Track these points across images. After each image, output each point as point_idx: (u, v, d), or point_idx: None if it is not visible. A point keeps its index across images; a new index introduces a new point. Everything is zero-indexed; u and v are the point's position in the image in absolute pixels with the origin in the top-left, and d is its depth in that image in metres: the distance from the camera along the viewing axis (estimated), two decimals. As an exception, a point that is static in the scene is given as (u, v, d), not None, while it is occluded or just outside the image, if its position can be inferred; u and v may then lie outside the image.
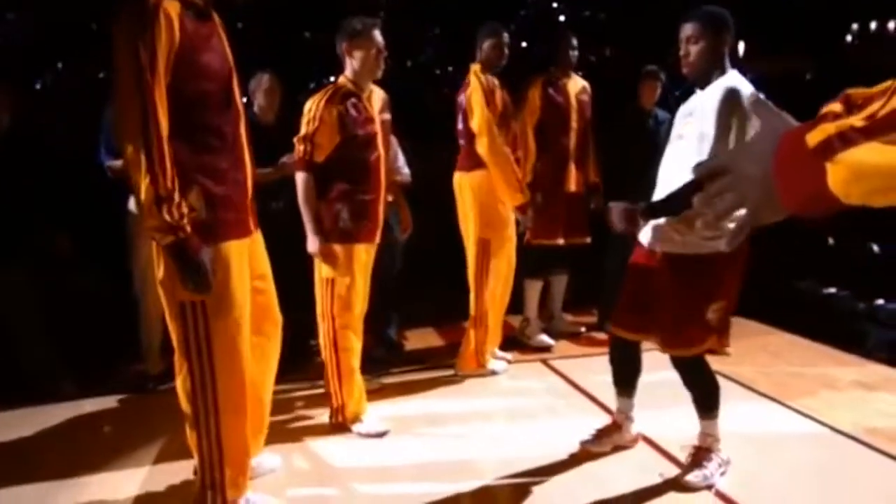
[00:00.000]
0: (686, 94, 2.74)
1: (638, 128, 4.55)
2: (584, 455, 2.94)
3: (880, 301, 4.71)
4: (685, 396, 2.76)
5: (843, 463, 2.90)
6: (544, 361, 4.23)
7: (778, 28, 6.06)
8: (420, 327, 4.82)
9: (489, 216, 3.80)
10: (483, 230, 3.81)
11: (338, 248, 3.06)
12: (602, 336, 4.49)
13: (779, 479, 2.73)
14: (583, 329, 4.75)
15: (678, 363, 2.69)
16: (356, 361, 3.21)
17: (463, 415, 3.48)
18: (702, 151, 2.46)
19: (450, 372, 4.00)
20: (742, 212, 0.93)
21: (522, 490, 2.70)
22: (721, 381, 2.78)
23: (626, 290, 2.81)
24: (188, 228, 2.07)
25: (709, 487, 2.65)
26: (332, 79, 3.27)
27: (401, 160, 4.04)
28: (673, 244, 2.59)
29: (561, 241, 4.36)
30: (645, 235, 2.70)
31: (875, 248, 5.06)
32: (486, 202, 3.79)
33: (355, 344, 3.19)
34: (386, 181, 3.59)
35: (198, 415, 2.29)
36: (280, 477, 2.83)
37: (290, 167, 3.31)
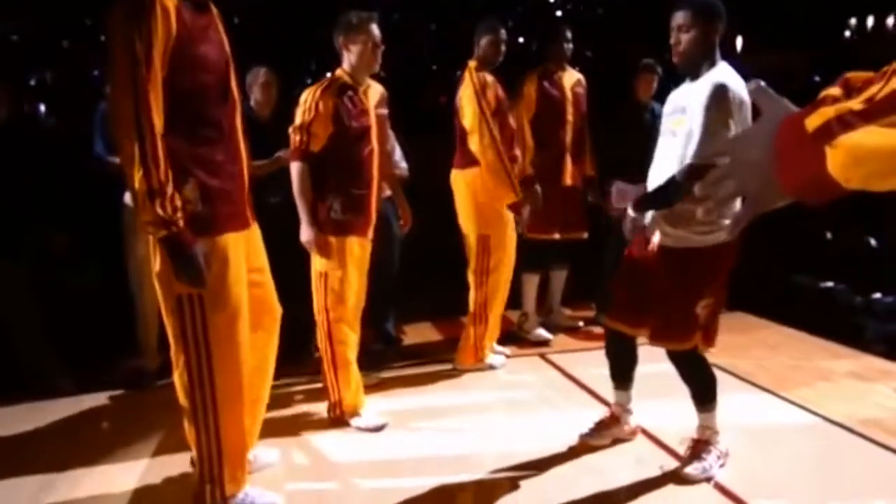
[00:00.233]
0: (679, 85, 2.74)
1: (635, 121, 4.54)
2: (582, 448, 2.94)
3: (877, 294, 4.71)
4: (683, 389, 2.76)
5: (840, 455, 2.91)
6: (542, 356, 4.23)
7: (776, 23, 6.06)
8: (418, 322, 4.82)
9: (487, 213, 3.79)
10: (482, 227, 3.80)
11: (330, 240, 3.06)
12: (600, 330, 4.48)
13: (777, 472, 2.74)
14: (581, 323, 4.75)
15: (674, 358, 2.69)
16: (352, 354, 3.21)
17: (461, 408, 3.48)
18: (689, 150, 2.46)
19: (448, 366, 4.00)
20: (738, 203, 0.93)
21: (521, 483, 2.70)
22: (719, 374, 2.79)
23: (621, 284, 2.81)
24: (181, 223, 2.06)
25: (708, 480, 2.65)
26: (328, 74, 3.27)
27: (398, 154, 4.04)
28: (665, 237, 2.59)
29: (557, 236, 4.36)
30: (649, 233, 2.69)
31: (872, 241, 5.07)
32: (484, 199, 3.79)
33: (351, 337, 3.19)
34: (384, 175, 3.60)
35: (196, 409, 2.29)
36: (278, 471, 2.82)
37: (286, 160, 3.31)
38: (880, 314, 4.55)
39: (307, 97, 3.04)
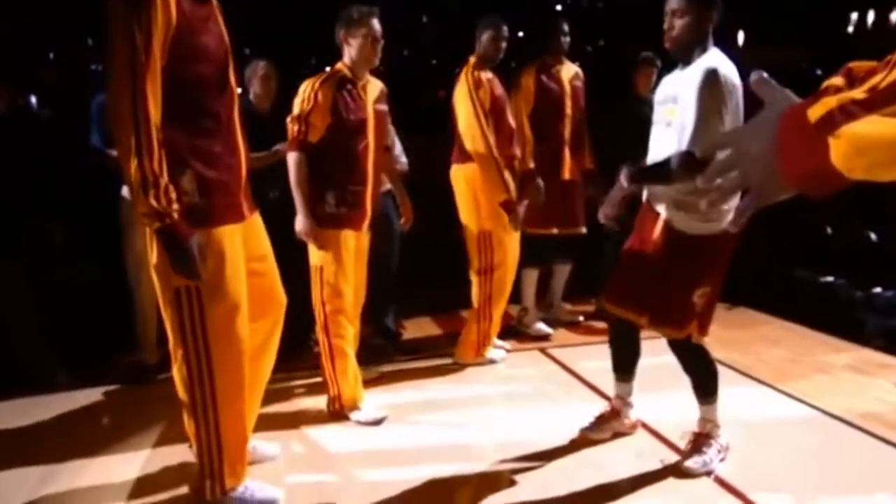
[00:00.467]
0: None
1: (634, 115, 4.52)
2: (583, 441, 2.94)
3: (878, 289, 4.71)
4: (684, 382, 2.76)
5: (840, 449, 2.90)
6: (542, 350, 4.23)
7: (777, 18, 6.05)
8: (418, 317, 4.81)
9: (488, 208, 3.78)
10: (484, 222, 3.79)
11: (325, 233, 3.07)
12: (600, 325, 4.48)
13: (778, 466, 2.74)
14: (581, 318, 4.74)
15: (676, 348, 2.69)
16: (350, 348, 3.21)
17: (461, 402, 3.48)
18: (683, 139, 2.45)
19: (448, 360, 4.00)
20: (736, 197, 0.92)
21: (521, 476, 2.70)
22: (719, 368, 2.78)
23: (621, 267, 2.80)
24: (175, 214, 2.05)
25: (708, 473, 2.65)
26: (327, 69, 3.26)
27: (398, 149, 4.03)
28: (675, 218, 2.58)
29: (555, 231, 4.35)
30: (654, 201, 2.68)
31: (873, 236, 5.07)
32: (484, 194, 3.78)
33: (348, 330, 3.19)
34: (385, 171, 3.59)
35: (195, 402, 2.28)
36: (279, 464, 2.82)
37: (284, 153, 3.31)
38: (880, 308, 4.55)
39: (306, 87, 3.05)
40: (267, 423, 2.97)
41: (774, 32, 6.06)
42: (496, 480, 2.69)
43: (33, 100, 5.03)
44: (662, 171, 2.48)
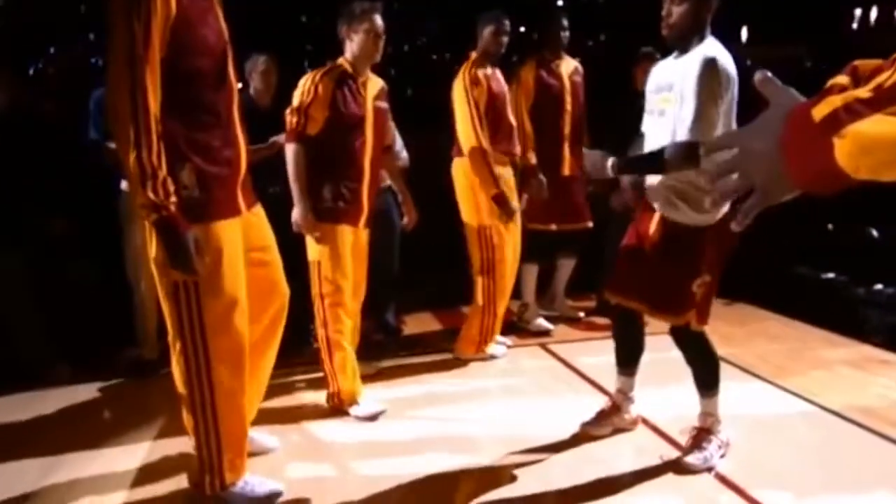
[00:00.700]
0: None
1: (634, 110, 4.51)
2: (583, 436, 2.93)
3: (879, 286, 4.70)
4: (685, 379, 2.75)
5: (841, 445, 2.90)
6: (543, 345, 4.23)
7: (779, 14, 6.03)
8: (418, 312, 4.81)
9: (486, 202, 3.77)
10: (483, 216, 3.79)
11: (321, 227, 3.07)
12: (601, 321, 4.49)
13: (778, 462, 2.73)
14: (582, 314, 4.74)
15: (679, 338, 2.69)
16: (348, 342, 3.21)
17: (462, 397, 3.48)
18: (678, 123, 2.44)
19: (448, 356, 4.00)
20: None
21: (521, 471, 2.70)
22: (720, 364, 2.77)
23: (622, 258, 2.80)
24: (172, 207, 2.04)
25: (709, 470, 2.65)
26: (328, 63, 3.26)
27: (399, 144, 4.02)
28: (674, 211, 2.57)
29: (554, 227, 4.34)
30: (652, 196, 2.68)
31: (874, 232, 5.05)
32: (481, 189, 3.77)
33: (347, 324, 3.19)
34: (385, 167, 3.58)
35: (193, 396, 2.28)
36: (279, 459, 2.82)
37: (280, 145, 3.32)
38: (882, 305, 4.54)
39: (306, 80, 3.06)
40: (267, 418, 2.97)
41: (777, 28, 6.04)
42: (496, 475, 2.69)
43: (34, 93, 5.02)
44: (655, 162, 2.47)
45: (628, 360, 2.95)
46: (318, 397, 3.36)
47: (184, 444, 2.76)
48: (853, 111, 0.78)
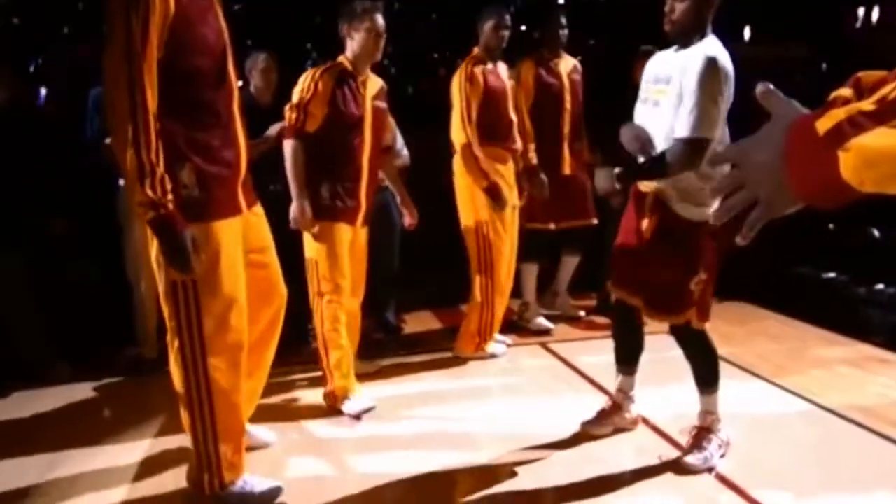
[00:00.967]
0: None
1: (631, 109, 4.50)
2: (583, 436, 2.93)
3: (880, 285, 4.69)
4: (686, 379, 2.75)
5: (841, 444, 2.90)
6: (543, 344, 4.23)
7: (781, 14, 6.01)
8: (418, 311, 4.81)
9: (483, 197, 3.76)
10: (480, 212, 3.78)
11: (319, 224, 3.07)
12: (601, 320, 4.49)
13: (779, 462, 2.73)
14: (582, 313, 4.73)
15: (679, 335, 2.69)
16: (344, 340, 3.21)
17: (462, 395, 3.48)
18: (678, 121, 2.44)
19: (448, 354, 3.99)
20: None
21: (521, 469, 2.70)
22: (720, 364, 2.77)
23: (617, 254, 2.81)
24: (170, 205, 2.04)
25: (709, 470, 2.65)
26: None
27: (399, 142, 4.02)
28: (669, 202, 2.57)
29: (552, 226, 4.33)
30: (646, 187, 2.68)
31: (875, 232, 5.04)
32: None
33: (343, 320, 3.19)
34: (384, 167, 3.58)
35: (190, 394, 2.28)
36: (277, 457, 2.82)
37: (274, 139, 3.32)
38: (883, 305, 4.53)
39: (307, 77, 3.06)
40: (266, 416, 2.97)
41: (778, 28, 6.02)
42: (496, 474, 2.69)
43: (35, 92, 5.02)
44: (657, 167, 2.47)
45: (628, 358, 2.94)
46: (317, 396, 3.36)
47: (183, 443, 2.76)
48: (857, 124, 0.78)
